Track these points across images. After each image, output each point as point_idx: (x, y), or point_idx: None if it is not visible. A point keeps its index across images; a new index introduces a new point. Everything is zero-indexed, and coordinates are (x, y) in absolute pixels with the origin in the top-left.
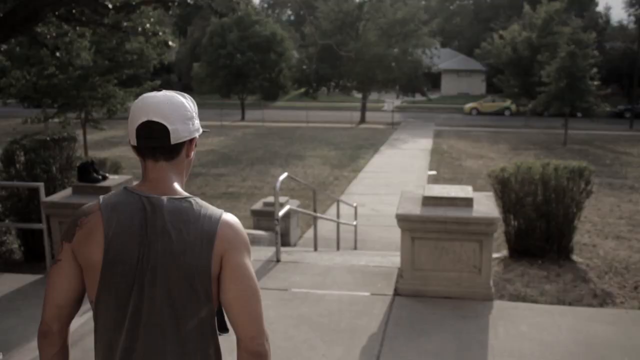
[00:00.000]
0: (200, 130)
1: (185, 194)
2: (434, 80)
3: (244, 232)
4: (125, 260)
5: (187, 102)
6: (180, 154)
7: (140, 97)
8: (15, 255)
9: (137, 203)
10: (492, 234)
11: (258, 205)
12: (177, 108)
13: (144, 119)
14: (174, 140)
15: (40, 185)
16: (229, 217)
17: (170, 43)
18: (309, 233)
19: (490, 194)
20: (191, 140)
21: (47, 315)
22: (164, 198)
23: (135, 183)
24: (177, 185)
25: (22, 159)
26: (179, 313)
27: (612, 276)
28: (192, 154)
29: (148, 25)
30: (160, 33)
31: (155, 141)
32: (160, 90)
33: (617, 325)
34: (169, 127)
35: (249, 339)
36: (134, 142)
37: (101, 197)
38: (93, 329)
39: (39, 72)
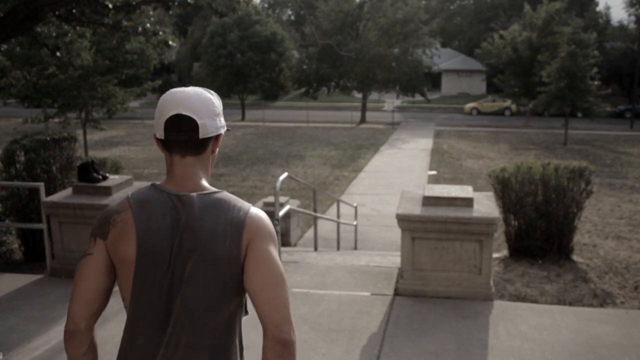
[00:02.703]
0: (225, 127)
1: (214, 189)
2: (434, 80)
3: (271, 225)
4: (158, 258)
5: (214, 98)
6: (207, 149)
7: (168, 92)
8: (16, 255)
9: (167, 201)
10: (493, 234)
11: (258, 205)
12: (206, 103)
13: (174, 112)
14: (202, 134)
15: (41, 185)
16: (258, 210)
17: (170, 43)
18: (309, 233)
19: (491, 194)
20: (217, 137)
21: (75, 313)
22: (194, 195)
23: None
24: (204, 182)
25: (22, 158)
26: (211, 307)
27: (612, 276)
28: (217, 150)
29: (148, 25)
30: (161, 33)
31: (184, 135)
32: (162, 90)
33: (617, 325)
34: (199, 121)
35: (275, 326)
36: (161, 135)
37: (129, 194)
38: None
39: (39, 72)
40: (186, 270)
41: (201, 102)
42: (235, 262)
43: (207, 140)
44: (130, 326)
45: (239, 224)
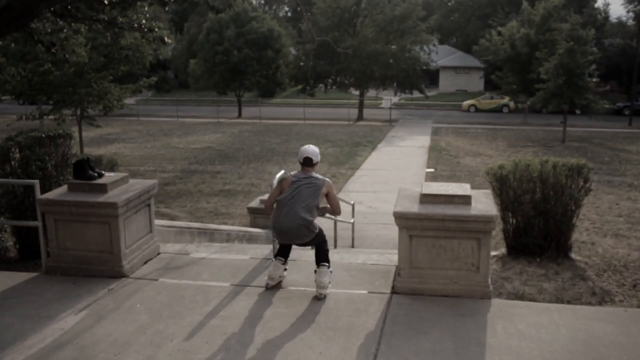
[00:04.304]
0: (319, 157)
1: (316, 174)
2: (431, 77)
3: (331, 183)
4: (295, 188)
5: (316, 149)
6: (315, 166)
7: (306, 146)
8: (10, 253)
9: (301, 176)
10: (490, 231)
11: (255, 203)
12: (315, 152)
13: (305, 155)
14: (314, 162)
15: (36, 182)
16: (328, 180)
17: (166, 39)
18: None
19: (489, 191)
20: (317, 162)
21: (269, 203)
22: (309, 174)
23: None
24: (314, 173)
25: (18, 156)
26: (306, 202)
27: (610, 274)
28: (317, 164)
29: (144, 22)
30: (156, 29)
31: (308, 163)
32: (158, 87)
33: (615, 324)
34: (314, 158)
35: (336, 212)
36: (301, 161)
37: (291, 173)
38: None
39: (34, 69)
40: (300, 194)
41: (315, 151)
42: (318, 198)
43: (315, 164)
44: (278, 209)
45: (322, 182)
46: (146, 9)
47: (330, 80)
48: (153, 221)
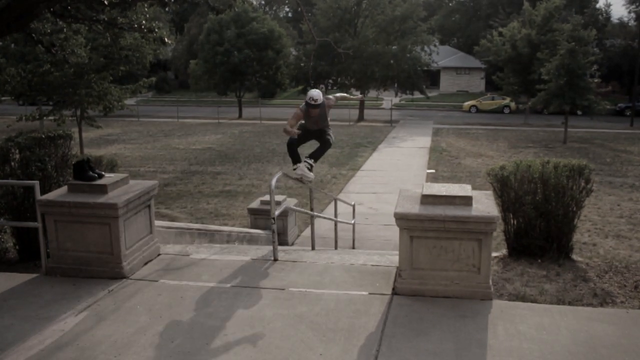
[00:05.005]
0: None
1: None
2: (432, 77)
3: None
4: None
5: (309, 92)
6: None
7: (311, 90)
8: (10, 254)
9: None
10: (492, 232)
11: (255, 204)
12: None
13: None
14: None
15: (36, 183)
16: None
17: (166, 40)
18: (307, 232)
19: (490, 192)
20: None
21: (291, 123)
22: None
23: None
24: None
25: (17, 156)
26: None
27: (612, 275)
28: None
29: (144, 22)
30: (156, 30)
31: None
32: (158, 87)
33: (617, 325)
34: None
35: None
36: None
37: (300, 106)
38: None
39: (34, 69)
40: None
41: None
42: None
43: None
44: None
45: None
46: (146, 9)
47: (330, 81)
48: (153, 222)
